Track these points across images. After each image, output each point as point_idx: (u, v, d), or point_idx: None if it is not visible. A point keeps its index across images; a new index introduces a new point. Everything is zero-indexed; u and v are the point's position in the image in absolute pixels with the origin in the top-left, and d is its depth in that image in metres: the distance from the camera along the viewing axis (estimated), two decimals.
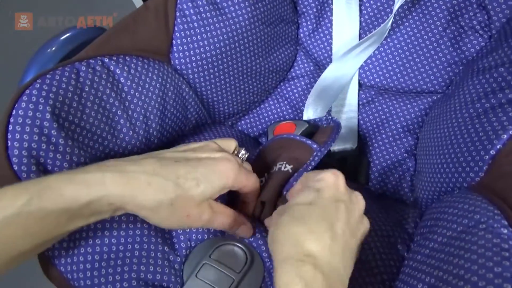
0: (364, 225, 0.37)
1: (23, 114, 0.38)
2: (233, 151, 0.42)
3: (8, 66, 1.43)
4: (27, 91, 0.38)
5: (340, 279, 0.32)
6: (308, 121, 0.52)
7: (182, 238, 0.41)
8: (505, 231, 0.31)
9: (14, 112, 0.38)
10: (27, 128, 0.37)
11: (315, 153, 0.43)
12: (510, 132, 0.37)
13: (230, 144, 0.42)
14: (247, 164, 0.42)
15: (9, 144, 0.37)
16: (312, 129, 0.51)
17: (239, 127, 0.62)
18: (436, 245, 0.36)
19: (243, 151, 0.42)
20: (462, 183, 0.41)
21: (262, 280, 0.40)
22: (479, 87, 0.44)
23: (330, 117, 0.52)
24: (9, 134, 0.37)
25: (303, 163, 0.43)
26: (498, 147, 0.38)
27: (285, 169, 0.45)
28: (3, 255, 0.31)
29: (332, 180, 0.36)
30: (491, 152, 0.38)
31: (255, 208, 0.43)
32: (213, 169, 0.36)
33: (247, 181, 0.39)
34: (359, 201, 0.37)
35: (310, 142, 0.45)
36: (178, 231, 0.42)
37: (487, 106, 0.41)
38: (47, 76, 0.40)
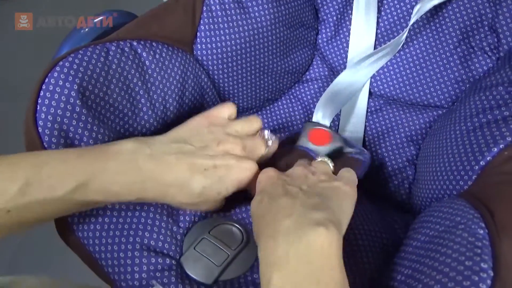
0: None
1: (54, 83, 0.42)
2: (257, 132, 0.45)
3: (8, 66, 1.48)
4: (60, 63, 0.42)
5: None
6: (344, 139, 0.55)
7: (188, 212, 0.45)
8: (481, 231, 0.33)
9: (46, 80, 0.42)
10: (56, 96, 0.41)
11: None
12: (501, 146, 0.40)
13: (253, 124, 0.45)
14: (276, 142, 0.46)
15: (38, 109, 0.41)
16: (341, 150, 0.54)
17: None
18: (418, 243, 0.39)
19: (267, 134, 0.46)
20: (452, 191, 0.43)
21: (255, 259, 0.43)
22: (479, 103, 0.46)
23: (365, 151, 0.54)
24: (39, 99, 0.41)
25: None
26: (488, 159, 0.40)
27: None
28: (41, 220, 0.36)
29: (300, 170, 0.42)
30: (481, 163, 0.41)
31: None
32: (235, 179, 0.40)
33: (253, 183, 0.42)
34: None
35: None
36: None
37: (484, 121, 0.44)
38: (80, 51, 0.44)
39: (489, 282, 0.29)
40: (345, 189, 0.38)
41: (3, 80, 1.41)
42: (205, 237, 0.43)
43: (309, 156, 0.51)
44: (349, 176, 0.41)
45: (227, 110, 0.45)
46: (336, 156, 0.54)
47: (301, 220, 0.32)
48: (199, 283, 0.40)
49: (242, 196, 0.48)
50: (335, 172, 0.44)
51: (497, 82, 0.46)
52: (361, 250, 0.44)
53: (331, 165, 0.45)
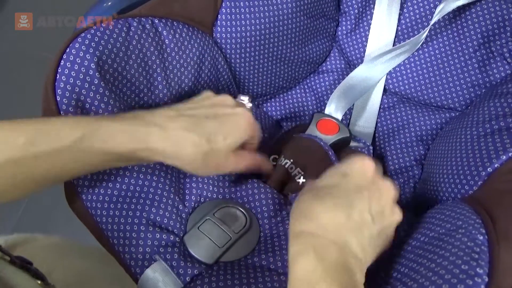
0: (393, 216, 0.36)
1: (74, 53, 0.42)
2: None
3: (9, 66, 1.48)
4: (82, 34, 0.43)
5: (356, 262, 0.32)
6: (350, 133, 0.56)
7: (194, 192, 0.46)
8: (481, 237, 0.34)
9: (67, 50, 0.42)
10: (76, 67, 0.42)
11: None
12: (510, 154, 0.40)
13: (243, 98, 0.48)
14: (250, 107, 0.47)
15: (57, 78, 0.42)
16: (346, 142, 0.56)
17: (263, 108, 0.65)
18: (418, 243, 0.39)
19: (244, 98, 0.48)
20: (457, 194, 0.44)
21: (257, 243, 0.44)
22: (493, 110, 0.46)
23: (369, 145, 0.55)
24: (59, 68, 0.42)
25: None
26: (496, 166, 0.40)
27: (298, 180, 0.50)
28: (52, 175, 0.36)
29: (360, 166, 0.37)
30: (488, 169, 0.41)
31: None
32: (236, 123, 0.41)
33: (255, 131, 0.43)
34: (388, 190, 0.36)
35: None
36: (193, 185, 0.46)
37: (496, 128, 0.44)
38: (101, 25, 0.44)
39: (483, 287, 0.30)
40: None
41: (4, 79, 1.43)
42: (209, 218, 0.44)
43: (316, 144, 0.52)
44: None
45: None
46: (341, 146, 0.55)
47: None
48: (201, 262, 0.41)
49: (249, 182, 0.49)
50: (340, 160, 0.45)
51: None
52: None
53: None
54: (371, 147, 0.58)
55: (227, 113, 0.42)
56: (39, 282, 0.37)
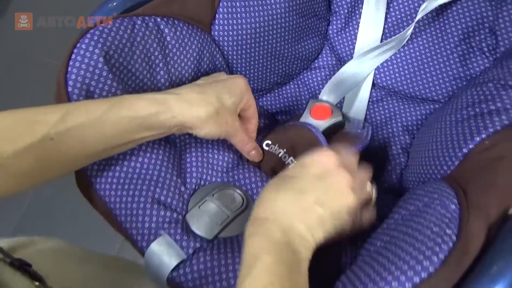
0: (346, 199, 0.40)
1: (84, 48, 0.46)
2: None
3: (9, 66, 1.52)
4: (91, 31, 0.47)
5: (302, 241, 0.37)
6: (343, 115, 0.60)
7: (194, 176, 0.50)
8: (453, 206, 0.37)
9: (78, 45, 0.46)
10: (85, 60, 0.46)
11: None
12: (483, 136, 0.44)
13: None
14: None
15: (69, 70, 0.46)
16: (341, 125, 0.60)
17: (259, 103, 0.69)
18: (399, 216, 0.43)
19: None
20: (437, 175, 0.48)
21: None
22: (470, 98, 0.50)
23: (367, 124, 0.58)
24: (70, 62, 0.46)
25: None
26: (470, 147, 0.44)
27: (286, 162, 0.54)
28: (81, 151, 0.41)
29: (318, 158, 0.42)
30: (464, 150, 0.45)
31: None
32: (235, 84, 0.49)
33: (253, 101, 0.52)
34: (344, 178, 0.40)
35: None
36: (193, 169, 0.50)
37: (471, 114, 0.48)
38: (108, 24, 0.48)
39: (450, 244, 0.34)
40: None
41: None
42: (208, 198, 0.48)
43: (307, 131, 0.55)
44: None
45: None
46: (336, 130, 0.59)
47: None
48: (201, 237, 0.45)
49: (246, 167, 0.53)
50: (332, 144, 0.52)
51: (488, 79, 0.50)
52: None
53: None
54: (369, 126, 0.59)
55: (226, 78, 0.50)
56: (36, 283, 0.38)
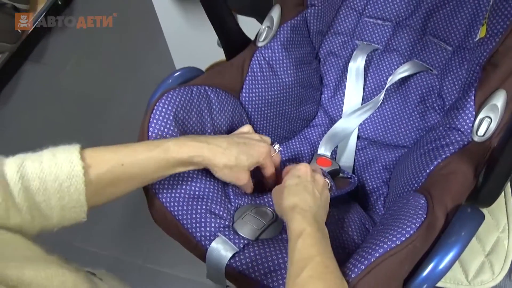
0: (322, 186, 0.62)
1: (160, 109, 0.66)
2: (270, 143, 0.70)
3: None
4: (164, 96, 0.67)
5: (321, 221, 0.58)
6: (339, 166, 0.82)
7: (236, 198, 0.67)
8: (422, 201, 0.57)
9: (155, 107, 0.66)
10: (161, 118, 0.65)
11: (332, 193, 0.69)
12: (439, 160, 0.64)
13: (267, 138, 0.71)
14: (278, 155, 0.70)
15: (150, 124, 0.65)
16: (337, 172, 0.81)
17: None
18: (383, 219, 0.61)
19: (277, 145, 0.70)
20: (410, 191, 0.67)
21: (281, 229, 0.65)
22: (428, 139, 0.71)
23: (354, 175, 0.81)
24: (151, 119, 0.65)
25: None
26: (431, 168, 0.65)
27: None
28: (140, 179, 0.58)
29: (304, 170, 0.63)
30: (427, 171, 0.65)
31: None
32: (257, 151, 0.65)
33: (270, 163, 0.67)
34: (319, 181, 0.63)
35: (333, 184, 0.73)
36: (236, 195, 0.68)
37: (430, 148, 0.68)
38: (176, 90, 0.68)
39: (422, 219, 0.52)
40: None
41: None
42: (248, 213, 0.66)
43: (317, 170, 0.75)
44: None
45: (246, 128, 0.72)
46: (333, 175, 0.79)
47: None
48: (247, 239, 0.62)
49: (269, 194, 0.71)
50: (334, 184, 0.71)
51: (439, 125, 0.72)
52: (350, 235, 0.67)
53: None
54: (355, 177, 0.81)
55: (253, 142, 0.66)
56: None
